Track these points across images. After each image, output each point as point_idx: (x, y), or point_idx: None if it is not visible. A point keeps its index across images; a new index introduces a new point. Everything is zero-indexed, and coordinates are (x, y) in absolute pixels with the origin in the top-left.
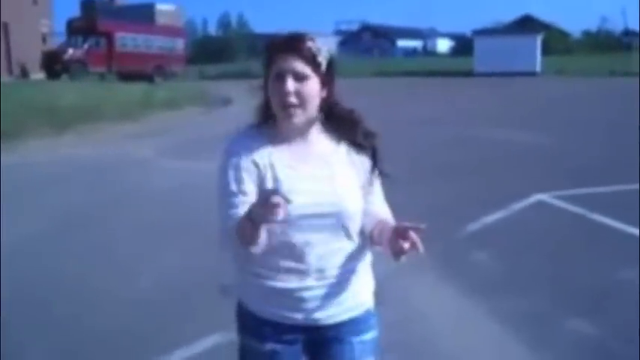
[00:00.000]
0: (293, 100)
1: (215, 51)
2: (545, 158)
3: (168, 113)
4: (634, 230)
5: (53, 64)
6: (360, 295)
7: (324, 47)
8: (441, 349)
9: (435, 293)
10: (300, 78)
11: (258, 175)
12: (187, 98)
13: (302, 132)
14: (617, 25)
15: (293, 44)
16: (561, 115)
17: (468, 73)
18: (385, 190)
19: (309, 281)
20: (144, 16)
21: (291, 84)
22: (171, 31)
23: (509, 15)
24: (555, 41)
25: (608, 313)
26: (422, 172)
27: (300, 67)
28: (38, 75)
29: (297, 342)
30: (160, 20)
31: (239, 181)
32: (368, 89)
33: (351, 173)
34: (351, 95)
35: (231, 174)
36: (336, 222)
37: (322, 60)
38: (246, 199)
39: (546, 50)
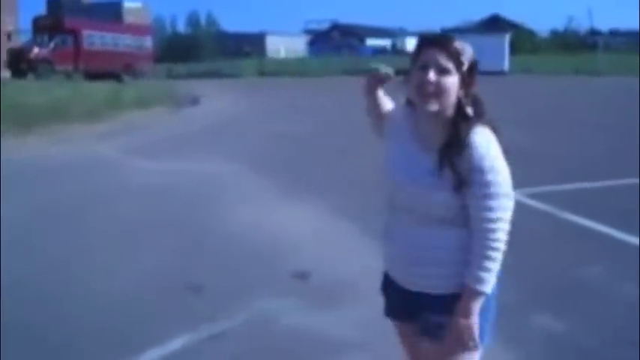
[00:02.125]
0: (432, 88)
1: (184, 49)
2: (513, 156)
3: (136, 112)
4: (603, 228)
5: (19, 63)
6: None
7: (470, 50)
8: None
9: None
10: (442, 71)
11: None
12: (155, 97)
13: (431, 122)
14: (583, 25)
15: (441, 40)
16: (530, 113)
17: None
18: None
19: None
20: (111, 14)
21: (432, 74)
22: (139, 30)
23: (477, 14)
24: (523, 40)
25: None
26: None
27: (444, 61)
28: (3, 74)
29: None
30: (128, 18)
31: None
32: (336, 87)
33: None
34: (318, 93)
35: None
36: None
37: (465, 60)
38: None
39: (514, 49)
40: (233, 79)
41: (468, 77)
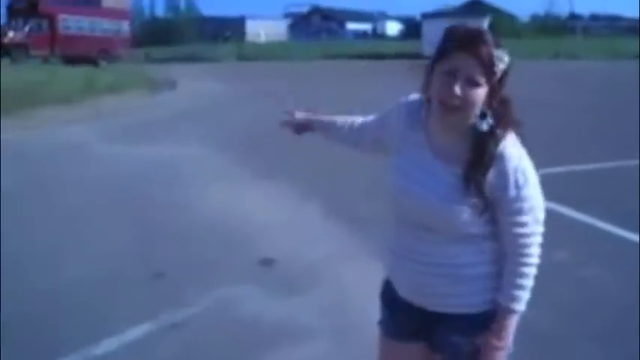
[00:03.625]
0: (456, 102)
1: (162, 34)
2: None
3: (111, 97)
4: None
5: None
6: None
7: (506, 57)
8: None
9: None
10: (471, 83)
11: (389, 137)
12: (131, 82)
13: (450, 129)
14: (563, 9)
15: (475, 45)
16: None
17: (417, 56)
18: None
19: None
20: None
21: (459, 88)
22: (116, 14)
23: None
24: (503, 25)
25: None
26: None
27: (476, 73)
28: None
29: None
30: (106, 2)
31: (380, 118)
32: (315, 72)
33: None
34: (296, 77)
35: (385, 112)
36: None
37: (498, 70)
38: (369, 126)
39: (494, 33)
40: (212, 63)
41: (498, 87)
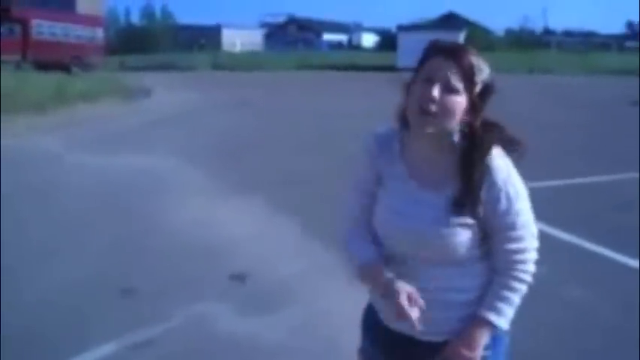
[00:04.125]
0: (433, 108)
1: (138, 41)
2: None
3: (84, 105)
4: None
5: None
6: None
7: (487, 69)
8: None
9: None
10: (449, 89)
11: (380, 182)
12: (105, 90)
13: (430, 151)
14: (537, 25)
15: (454, 52)
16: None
17: (391, 68)
18: None
19: None
20: (64, 4)
21: (436, 91)
22: (90, 20)
23: (433, 12)
24: (478, 38)
25: None
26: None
27: (454, 78)
28: None
29: None
30: (81, 8)
31: (362, 181)
32: (290, 82)
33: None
34: (271, 87)
35: (358, 174)
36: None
37: (479, 80)
38: (366, 202)
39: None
40: (187, 72)
41: (479, 101)
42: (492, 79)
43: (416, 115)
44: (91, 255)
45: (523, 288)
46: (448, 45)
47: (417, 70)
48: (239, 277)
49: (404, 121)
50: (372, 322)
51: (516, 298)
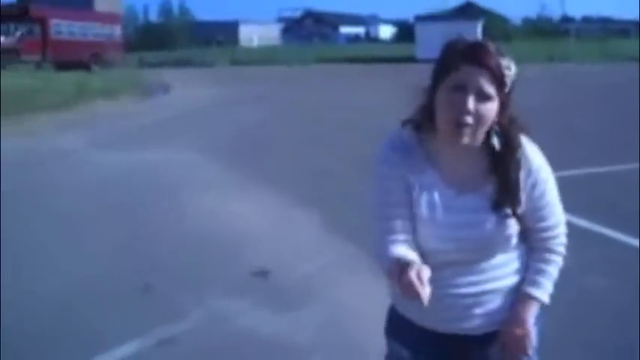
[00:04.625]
0: (470, 120)
1: (156, 38)
2: None
3: (104, 102)
4: None
5: None
6: None
7: (514, 67)
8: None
9: None
10: (482, 97)
11: (410, 192)
12: (125, 87)
13: (460, 154)
14: (555, 12)
15: (483, 57)
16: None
17: (410, 59)
18: None
19: None
20: (82, 3)
21: (472, 102)
22: (108, 18)
23: (451, 1)
24: (495, 27)
25: None
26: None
27: (487, 85)
28: None
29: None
30: (100, 6)
31: (391, 192)
32: (307, 76)
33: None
34: (288, 82)
35: (384, 186)
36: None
37: (508, 81)
38: (403, 213)
39: (487, 36)
40: (205, 68)
41: (508, 99)
42: (516, 74)
43: (451, 126)
44: (110, 251)
45: (559, 260)
46: (472, 47)
47: (439, 72)
48: (260, 273)
49: (425, 125)
50: (406, 333)
51: (554, 271)
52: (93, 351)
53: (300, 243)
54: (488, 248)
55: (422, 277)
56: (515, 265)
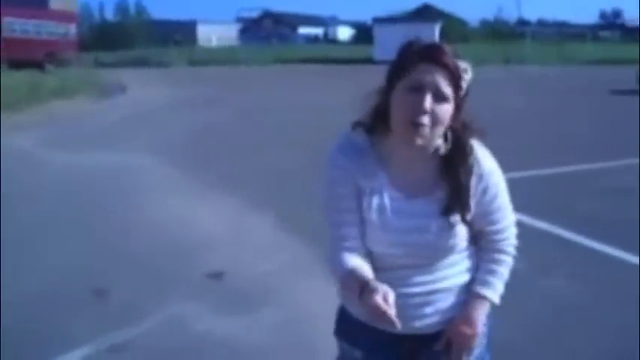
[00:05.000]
0: (426, 120)
1: (112, 37)
2: None
3: (57, 102)
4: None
5: None
6: None
7: (469, 69)
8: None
9: None
10: (439, 98)
11: (360, 197)
12: (79, 86)
13: (413, 157)
14: (512, 15)
15: (440, 56)
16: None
17: (369, 61)
18: None
19: None
20: (37, 0)
21: (429, 101)
22: (63, 17)
23: (409, 4)
24: (453, 29)
25: None
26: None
27: (444, 85)
28: None
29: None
30: (55, 4)
31: (341, 198)
32: (265, 76)
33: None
34: (246, 82)
35: (334, 192)
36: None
37: (464, 84)
38: (354, 219)
39: (444, 38)
40: (163, 68)
41: (462, 103)
42: (471, 77)
43: (406, 126)
44: (63, 255)
45: (509, 260)
46: (430, 48)
47: (395, 72)
48: (215, 276)
49: (377, 127)
50: (349, 325)
51: (505, 272)
52: (40, 357)
53: (256, 244)
54: (436, 253)
55: (388, 300)
56: (466, 264)
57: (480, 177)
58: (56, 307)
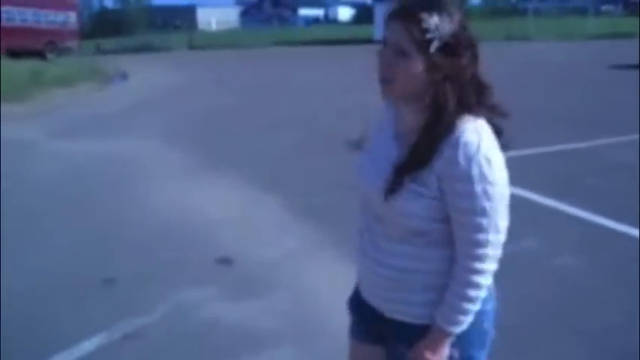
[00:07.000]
0: (386, 74)
1: (113, 24)
2: None
3: (60, 91)
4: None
5: None
6: None
7: (448, 25)
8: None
9: None
10: (398, 53)
11: None
12: (81, 74)
13: (400, 112)
14: None
15: (404, 12)
16: None
17: (369, 41)
18: None
19: None
20: None
21: (386, 56)
22: (62, 5)
23: None
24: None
25: None
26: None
27: (404, 40)
28: None
29: None
30: None
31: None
32: (266, 58)
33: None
34: (247, 65)
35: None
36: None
37: (435, 38)
38: None
39: None
40: (163, 52)
41: (443, 59)
42: (460, 34)
43: (379, 83)
44: (71, 244)
45: (480, 294)
46: (404, 5)
47: None
48: (224, 261)
49: None
50: (355, 300)
51: (473, 306)
52: (55, 347)
53: (265, 228)
54: (385, 205)
55: None
56: (416, 264)
57: (454, 161)
58: (67, 295)
